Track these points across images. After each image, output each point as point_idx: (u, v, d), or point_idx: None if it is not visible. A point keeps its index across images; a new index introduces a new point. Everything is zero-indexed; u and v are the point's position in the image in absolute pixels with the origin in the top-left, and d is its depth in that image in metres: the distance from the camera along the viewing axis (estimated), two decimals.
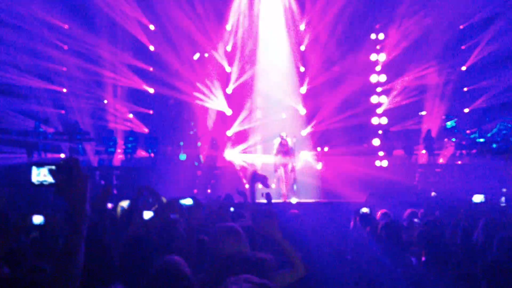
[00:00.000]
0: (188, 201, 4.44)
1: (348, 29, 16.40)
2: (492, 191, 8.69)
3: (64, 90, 15.90)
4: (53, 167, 2.04)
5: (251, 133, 16.59)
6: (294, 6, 16.79)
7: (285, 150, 13.44)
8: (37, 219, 4.40)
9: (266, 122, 16.37)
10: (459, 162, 14.84)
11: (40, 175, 2.22)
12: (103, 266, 2.48)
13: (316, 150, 15.80)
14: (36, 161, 3.18)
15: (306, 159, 15.26)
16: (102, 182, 12.87)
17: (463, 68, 16.41)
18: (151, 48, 16.56)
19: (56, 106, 15.89)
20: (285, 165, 13.44)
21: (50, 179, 2.08)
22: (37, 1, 14.67)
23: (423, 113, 16.45)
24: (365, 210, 6.85)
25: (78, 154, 14.70)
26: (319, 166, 15.20)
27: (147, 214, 5.42)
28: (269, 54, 16.61)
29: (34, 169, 2.21)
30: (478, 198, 6.12)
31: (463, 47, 16.45)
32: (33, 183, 2.22)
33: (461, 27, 16.19)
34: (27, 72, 14.96)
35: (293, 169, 13.72)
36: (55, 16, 15.29)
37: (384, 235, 5.26)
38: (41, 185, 2.22)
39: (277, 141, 13.61)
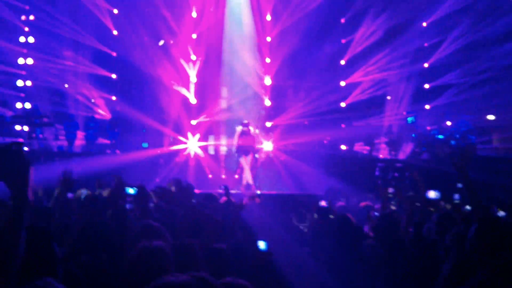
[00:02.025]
0: (131, 190, 4.42)
1: (314, 22, 16.41)
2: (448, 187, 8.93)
3: (24, 72, 15.46)
4: None
5: (216, 124, 16.50)
6: None
7: (247, 138, 13.28)
8: None
9: (231, 112, 16.32)
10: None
11: None
12: (45, 255, 2.41)
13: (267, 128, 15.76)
14: None
15: (268, 150, 15.27)
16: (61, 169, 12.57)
17: (425, 65, 16.69)
18: (115, 32, 16.24)
19: (15, 89, 15.44)
20: (246, 153, 13.30)
21: None
22: None
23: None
24: (323, 203, 6.95)
25: (37, 139, 14.33)
26: (269, 146, 15.21)
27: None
28: (235, 44, 16.51)
29: None
30: (433, 194, 6.23)
31: (426, 44, 16.72)
32: None
33: (424, 24, 16.45)
34: None
35: (255, 159, 13.57)
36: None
37: (339, 228, 5.31)
38: None
39: (239, 128, 13.41)
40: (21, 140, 13.22)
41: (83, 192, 6.17)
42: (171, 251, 2.73)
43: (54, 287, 1.73)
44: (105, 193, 6.66)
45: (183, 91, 16.52)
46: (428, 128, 15.93)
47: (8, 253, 1.86)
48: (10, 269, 1.85)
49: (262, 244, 3.56)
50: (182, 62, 16.49)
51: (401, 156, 15.41)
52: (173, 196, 5.19)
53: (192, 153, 15.77)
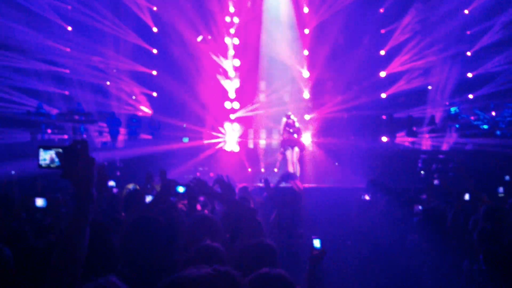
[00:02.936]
0: (181, 189, 4.44)
1: (352, 13, 16.19)
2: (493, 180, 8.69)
3: (68, 71, 15.88)
4: (60, 150, 2.06)
5: (255, 118, 16.53)
6: None
7: (292, 130, 13.08)
8: (40, 201, 4.43)
9: (269, 104, 16.31)
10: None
11: (47, 158, 2.21)
12: (104, 251, 2.47)
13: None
14: (44, 143, 3.18)
15: (308, 143, 15.18)
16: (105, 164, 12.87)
17: (468, 53, 16.25)
18: (155, 29, 16.47)
19: (60, 87, 15.88)
20: (293, 146, 13.10)
21: (56, 162, 2.08)
22: None
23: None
24: (366, 197, 6.87)
25: (81, 135, 14.73)
26: (307, 138, 15.05)
27: (148, 198, 5.46)
28: (273, 37, 16.45)
29: (41, 152, 2.20)
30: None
31: (468, 32, 16.28)
32: (40, 166, 2.21)
33: (466, 11, 16.00)
34: (31, 54, 14.93)
35: (302, 150, 13.40)
36: None
37: (383, 222, 5.26)
38: (48, 167, 2.21)
39: (283, 120, 13.23)
40: (84, 137, 13.60)
41: (132, 188, 6.27)
42: (226, 251, 2.74)
43: (117, 287, 1.76)
44: (157, 187, 6.77)
45: (223, 84, 16.60)
46: (472, 118, 15.54)
47: (74, 250, 1.91)
48: (77, 266, 1.90)
49: (316, 242, 3.54)
50: (220, 58, 16.57)
51: (445, 147, 15.07)
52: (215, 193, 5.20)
53: (229, 147, 15.86)
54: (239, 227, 3.77)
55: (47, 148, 2.14)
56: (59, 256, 1.89)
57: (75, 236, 1.93)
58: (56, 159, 2.07)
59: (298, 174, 12.92)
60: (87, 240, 1.95)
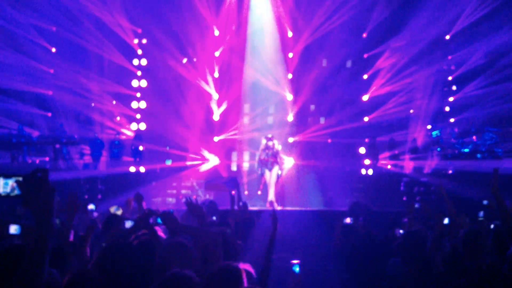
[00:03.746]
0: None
1: (336, 38, 16.41)
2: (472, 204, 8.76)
3: (51, 92, 15.79)
4: (20, 178, 2.05)
5: (238, 140, 16.55)
6: (283, 12, 16.80)
7: (271, 152, 12.74)
8: (13, 228, 4.34)
9: (253, 127, 16.37)
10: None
11: (8, 186, 2.18)
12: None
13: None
14: (4, 172, 3.12)
15: (290, 166, 15.20)
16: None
17: (449, 78, 16.54)
18: (139, 51, 16.52)
19: (42, 109, 15.76)
20: (271, 169, 12.77)
21: (17, 191, 2.05)
22: (22, 2, 14.60)
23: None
24: (348, 220, 6.87)
25: (64, 158, 14.59)
26: (290, 161, 15.04)
27: (128, 223, 5.37)
28: (257, 60, 16.58)
29: (1, 180, 2.18)
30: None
31: (449, 57, 16.58)
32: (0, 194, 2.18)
33: (446, 37, 16.32)
34: (13, 73, 14.84)
35: (279, 175, 13.12)
36: (42, 18, 15.21)
37: (362, 246, 5.25)
38: (8, 196, 2.19)
39: (263, 142, 12.92)
40: (46, 166, 13.43)
41: (114, 210, 6.19)
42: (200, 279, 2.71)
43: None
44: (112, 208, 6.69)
45: (208, 106, 16.65)
46: (454, 141, 15.71)
47: (34, 279, 1.88)
48: None
49: (296, 267, 3.53)
50: (205, 80, 16.63)
51: (427, 170, 15.19)
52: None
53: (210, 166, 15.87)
54: (209, 252, 3.72)
55: (7, 176, 2.12)
56: (19, 284, 1.88)
57: (35, 265, 1.90)
58: (17, 188, 2.05)
59: (272, 197, 12.78)
60: (46, 268, 1.93)
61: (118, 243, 3.50)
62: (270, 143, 12.76)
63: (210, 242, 3.50)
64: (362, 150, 15.97)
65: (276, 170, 12.84)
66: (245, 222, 6.19)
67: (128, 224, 5.34)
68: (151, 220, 4.18)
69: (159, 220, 4.23)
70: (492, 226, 6.29)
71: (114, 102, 16.46)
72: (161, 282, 2.58)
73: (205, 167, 15.96)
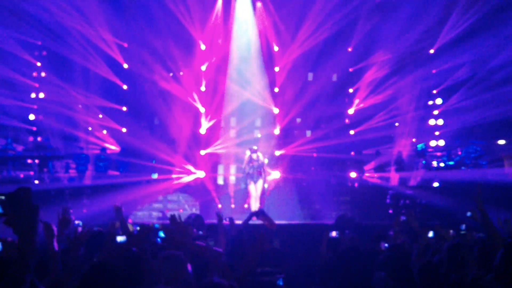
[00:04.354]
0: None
1: (321, 52, 16.56)
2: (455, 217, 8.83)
3: (35, 106, 15.70)
4: (3, 197, 2.02)
5: (225, 154, 16.54)
6: (268, 27, 16.92)
7: (256, 165, 12.55)
8: None
9: (240, 141, 16.38)
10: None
11: None
12: None
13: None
14: None
15: (276, 179, 15.20)
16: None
17: (434, 91, 16.72)
18: (125, 65, 16.50)
19: (26, 123, 15.65)
20: (256, 181, 12.55)
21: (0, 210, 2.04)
22: (5, 16, 14.56)
23: None
24: (334, 233, 6.87)
25: (48, 172, 14.47)
26: (276, 174, 15.06)
27: (120, 238, 5.30)
28: (243, 74, 16.67)
29: None
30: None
31: (434, 71, 16.77)
32: None
33: (431, 51, 16.53)
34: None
35: (264, 187, 12.92)
36: (28, 33, 15.17)
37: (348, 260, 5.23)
38: None
39: (247, 153, 12.73)
40: (28, 185, 13.26)
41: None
42: None
43: None
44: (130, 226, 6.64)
45: (194, 120, 16.65)
46: (439, 154, 15.85)
47: None
48: None
49: (280, 281, 3.56)
50: (191, 95, 16.64)
51: (412, 182, 15.30)
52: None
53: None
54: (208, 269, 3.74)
55: None
56: None
57: (16, 282, 1.90)
58: None
59: (256, 209, 12.60)
60: (28, 285, 1.92)
61: (99, 263, 3.47)
62: (254, 156, 12.57)
63: (211, 260, 3.53)
64: (352, 175, 15.90)
65: (261, 182, 12.65)
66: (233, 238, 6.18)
67: (120, 239, 5.28)
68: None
69: (161, 234, 4.21)
70: (476, 237, 6.33)
71: (100, 116, 16.38)
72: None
73: (189, 179, 15.91)
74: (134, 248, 4.36)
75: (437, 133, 16.59)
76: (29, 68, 15.59)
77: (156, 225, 8.00)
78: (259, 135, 16.73)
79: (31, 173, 14.58)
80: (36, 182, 13.65)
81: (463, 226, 6.84)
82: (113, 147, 16.30)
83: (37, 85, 15.68)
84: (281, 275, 3.66)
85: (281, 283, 3.61)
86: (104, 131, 16.47)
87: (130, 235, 5.02)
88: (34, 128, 15.73)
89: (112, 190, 13.78)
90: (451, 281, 4.43)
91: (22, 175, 14.38)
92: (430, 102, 16.81)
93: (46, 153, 14.40)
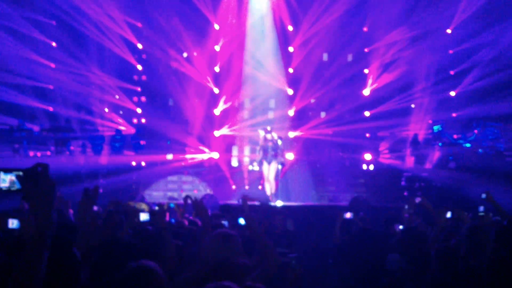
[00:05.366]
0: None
1: (336, 32, 16.37)
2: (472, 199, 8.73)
3: (52, 86, 15.81)
4: (21, 173, 2.05)
5: (239, 135, 16.56)
6: (282, 6, 16.76)
7: (269, 145, 12.31)
8: (12, 223, 4.36)
9: (254, 122, 16.35)
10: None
11: (6, 181, 2.19)
12: (68, 275, 2.42)
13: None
14: (4, 166, 3.12)
15: (290, 160, 15.14)
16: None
17: (451, 72, 16.47)
18: (139, 46, 16.50)
19: (43, 102, 15.78)
20: (269, 162, 12.35)
21: (17, 185, 2.06)
22: None
23: None
24: (348, 215, 6.86)
25: (64, 151, 14.64)
26: (290, 156, 15.06)
27: (143, 216, 5.37)
28: (257, 54, 16.57)
29: (1, 174, 2.18)
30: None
31: (451, 52, 16.50)
32: (0, 189, 2.17)
33: (448, 31, 16.23)
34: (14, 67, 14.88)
35: (278, 169, 12.73)
36: (43, 13, 15.24)
37: (361, 241, 5.24)
38: (9, 191, 2.17)
39: (261, 133, 12.52)
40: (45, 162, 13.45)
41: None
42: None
43: None
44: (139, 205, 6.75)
45: (208, 101, 16.67)
46: (455, 136, 15.68)
47: (31, 275, 1.90)
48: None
49: (292, 260, 3.59)
50: (205, 76, 16.62)
51: (428, 165, 15.17)
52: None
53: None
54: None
55: (7, 171, 2.13)
56: (16, 278, 1.89)
57: (33, 260, 1.92)
58: (17, 182, 2.06)
59: (272, 191, 12.57)
60: (44, 264, 1.94)
61: (114, 240, 3.51)
62: (268, 136, 12.39)
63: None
64: (367, 157, 15.76)
65: (275, 164, 12.51)
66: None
67: (144, 216, 5.34)
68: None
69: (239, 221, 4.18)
70: (493, 219, 6.25)
71: (117, 96, 16.45)
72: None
73: (203, 160, 16.00)
74: (150, 227, 4.42)
75: (454, 115, 16.37)
76: (44, 48, 15.63)
77: (172, 205, 8.06)
78: (272, 116, 16.66)
79: (48, 153, 14.75)
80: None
81: (481, 208, 6.75)
82: (126, 128, 16.40)
83: (53, 65, 15.72)
84: (294, 255, 3.67)
85: (293, 262, 3.64)
86: (120, 112, 16.57)
87: (153, 214, 5.09)
88: (51, 109, 15.85)
89: (127, 170, 13.92)
90: (471, 266, 4.37)
91: (39, 154, 14.56)
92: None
93: (62, 133, 14.53)
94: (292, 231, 7.89)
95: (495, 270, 4.12)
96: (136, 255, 3.13)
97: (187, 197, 4.48)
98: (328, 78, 16.59)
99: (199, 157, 16.02)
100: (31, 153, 14.35)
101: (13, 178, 2.16)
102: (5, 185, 2.18)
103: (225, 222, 5.67)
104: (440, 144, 15.48)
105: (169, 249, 3.80)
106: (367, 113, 16.78)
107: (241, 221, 4.37)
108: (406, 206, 8.06)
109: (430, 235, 5.49)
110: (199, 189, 14.46)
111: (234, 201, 7.15)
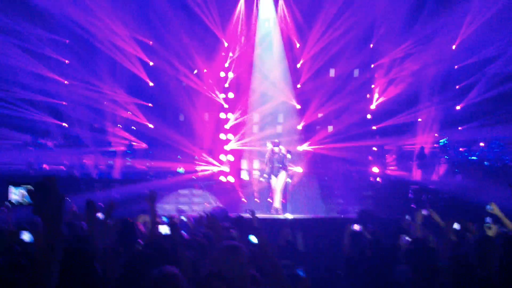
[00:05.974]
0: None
1: (343, 48, 16.66)
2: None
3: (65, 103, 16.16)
4: (31, 187, 2.07)
5: (248, 148, 16.83)
6: (290, 24, 17.09)
7: (275, 157, 12.49)
8: (25, 236, 4.38)
9: (262, 136, 16.60)
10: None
11: (18, 194, 2.30)
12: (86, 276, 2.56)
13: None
14: (14, 180, 3.13)
15: (299, 173, 15.34)
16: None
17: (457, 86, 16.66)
18: (151, 63, 16.86)
19: (57, 119, 16.12)
20: (277, 174, 12.53)
21: (27, 199, 2.18)
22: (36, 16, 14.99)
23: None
24: (356, 227, 7.03)
25: (77, 167, 14.92)
26: (299, 169, 15.24)
27: (163, 229, 5.19)
28: (266, 70, 16.90)
29: (12, 189, 2.29)
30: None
31: (456, 67, 16.68)
32: (11, 202, 2.29)
33: (453, 47, 16.45)
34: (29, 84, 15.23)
35: (286, 182, 12.95)
36: (56, 32, 15.62)
37: (372, 252, 5.40)
38: (20, 204, 2.30)
39: (269, 146, 12.72)
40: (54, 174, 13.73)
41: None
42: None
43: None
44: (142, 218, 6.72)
45: (218, 116, 16.97)
46: (461, 149, 15.82)
47: (42, 285, 1.95)
48: None
49: (300, 271, 3.66)
50: (215, 91, 16.95)
51: (434, 177, 15.31)
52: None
53: (224, 178, 16.14)
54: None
55: (17, 185, 2.24)
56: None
57: (43, 272, 1.95)
58: (27, 196, 2.15)
59: (278, 204, 12.78)
60: (56, 276, 1.98)
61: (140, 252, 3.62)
62: (276, 149, 12.56)
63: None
64: (375, 170, 15.95)
65: (282, 176, 12.67)
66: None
67: (163, 229, 5.15)
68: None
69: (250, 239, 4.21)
70: (500, 231, 6.35)
71: (128, 112, 16.79)
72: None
73: (214, 173, 16.25)
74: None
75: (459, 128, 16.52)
76: (58, 65, 16.00)
77: (183, 218, 8.24)
78: (280, 131, 16.93)
79: (62, 167, 15.01)
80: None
81: (488, 219, 6.86)
82: (138, 143, 16.71)
83: (66, 82, 16.09)
84: (300, 268, 3.78)
85: (301, 273, 3.72)
86: (133, 127, 16.90)
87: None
88: (66, 125, 16.19)
89: (139, 184, 14.13)
90: (481, 277, 4.46)
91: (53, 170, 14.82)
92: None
93: (75, 147, 14.84)
94: (302, 248, 8.01)
95: (505, 281, 4.26)
96: (154, 265, 3.29)
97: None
98: (335, 93, 16.86)
99: (210, 169, 16.30)
100: (45, 167, 14.63)
101: (24, 192, 2.27)
102: (16, 198, 2.30)
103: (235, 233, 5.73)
104: (446, 157, 15.63)
105: (183, 262, 3.86)
106: (374, 127, 17.00)
107: (253, 238, 4.36)
108: (407, 217, 8.25)
109: (438, 247, 5.61)
110: (209, 202, 14.64)
111: (246, 215, 7.30)
